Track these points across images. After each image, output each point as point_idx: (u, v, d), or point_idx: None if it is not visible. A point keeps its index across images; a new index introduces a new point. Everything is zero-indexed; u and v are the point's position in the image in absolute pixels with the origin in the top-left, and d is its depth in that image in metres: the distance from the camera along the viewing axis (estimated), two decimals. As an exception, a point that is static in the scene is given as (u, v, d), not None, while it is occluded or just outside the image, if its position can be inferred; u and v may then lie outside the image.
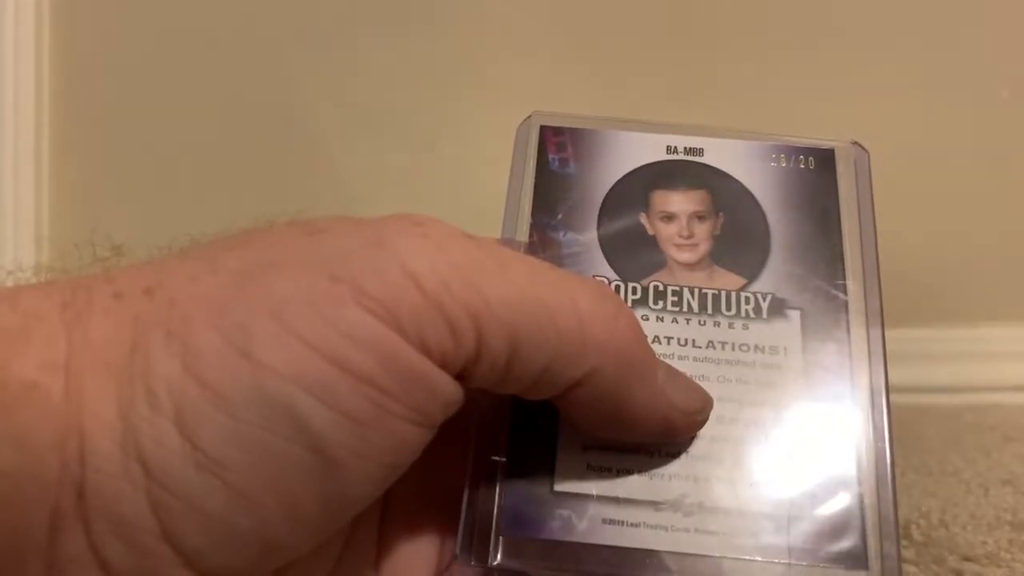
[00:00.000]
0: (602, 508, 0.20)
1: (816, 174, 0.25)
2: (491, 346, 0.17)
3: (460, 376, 0.18)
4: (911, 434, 0.58)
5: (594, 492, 0.20)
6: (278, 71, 0.52)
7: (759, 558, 0.19)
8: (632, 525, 0.20)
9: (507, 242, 0.23)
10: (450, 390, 0.18)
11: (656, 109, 0.51)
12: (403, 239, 0.17)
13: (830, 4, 0.58)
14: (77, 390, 0.15)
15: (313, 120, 0.52)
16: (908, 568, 0.33)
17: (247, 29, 0.53)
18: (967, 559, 0.34)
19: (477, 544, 0.20)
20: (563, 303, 0.18)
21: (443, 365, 0.17)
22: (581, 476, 0.20)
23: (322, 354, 0.16)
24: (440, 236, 0.18)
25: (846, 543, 0.20)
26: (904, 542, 0.36)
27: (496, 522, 0.20)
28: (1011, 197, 0.64)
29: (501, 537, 0.20)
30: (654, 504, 0.20)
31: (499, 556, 0.19)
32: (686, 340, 0.22)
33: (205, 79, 0.53)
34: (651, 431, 0.20)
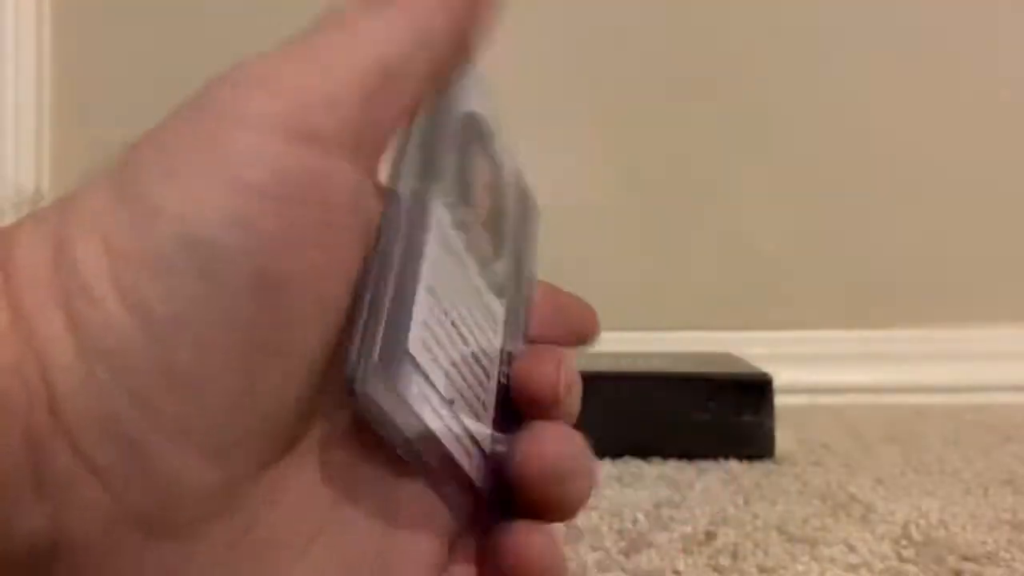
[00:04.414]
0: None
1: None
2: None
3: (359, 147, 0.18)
4: (911, 434, 0.58)
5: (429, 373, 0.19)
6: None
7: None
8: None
9: None
10: (348, 177, 0.18)
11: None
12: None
13: (832, 16, 0.58)
14: (21, 314, 0.16)
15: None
16: (908, 568, 0.33)
17: (251, 29, 0.53)
18: (967, 559, 0.34)
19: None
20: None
21: (339, 146, 0.18)
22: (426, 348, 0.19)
23: (221, 184, 0.16)
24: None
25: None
26: (904, 542, 0.36)
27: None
28: (1011, 198, 0.65)
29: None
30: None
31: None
32: None
33: (207, 78, 0.53)
34: None
